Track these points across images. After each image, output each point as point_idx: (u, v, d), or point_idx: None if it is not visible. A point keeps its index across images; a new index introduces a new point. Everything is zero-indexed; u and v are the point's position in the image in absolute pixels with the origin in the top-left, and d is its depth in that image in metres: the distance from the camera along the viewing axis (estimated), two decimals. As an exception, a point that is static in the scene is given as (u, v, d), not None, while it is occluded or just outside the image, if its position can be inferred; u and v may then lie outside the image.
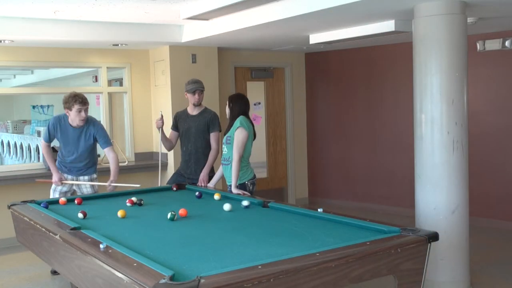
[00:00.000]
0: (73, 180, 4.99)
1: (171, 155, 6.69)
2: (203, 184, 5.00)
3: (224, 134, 4.70)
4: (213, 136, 5.17)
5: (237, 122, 4.52)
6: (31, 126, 11.06)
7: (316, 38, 6.21)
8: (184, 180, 5.12)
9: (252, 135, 4.63)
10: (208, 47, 6.83)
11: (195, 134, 5.17)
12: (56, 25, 5.55)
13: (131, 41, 6.20)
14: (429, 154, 4.27)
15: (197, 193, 4.34)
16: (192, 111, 5.25)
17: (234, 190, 4.39)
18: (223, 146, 4.70)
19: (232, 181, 4.45)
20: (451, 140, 4.19)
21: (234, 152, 4.48)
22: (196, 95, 5.16)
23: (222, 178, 5.00)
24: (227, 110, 4.69)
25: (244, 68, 7.68)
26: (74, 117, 4.81)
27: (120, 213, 3.57)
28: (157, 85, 6.91)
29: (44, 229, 3.28)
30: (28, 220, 3.60)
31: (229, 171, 4.57)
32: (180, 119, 5.31)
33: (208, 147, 5.18)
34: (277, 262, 2.31)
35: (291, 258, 2.37)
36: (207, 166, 5.11)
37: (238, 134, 4.49)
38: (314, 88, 8.19)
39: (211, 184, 4.93)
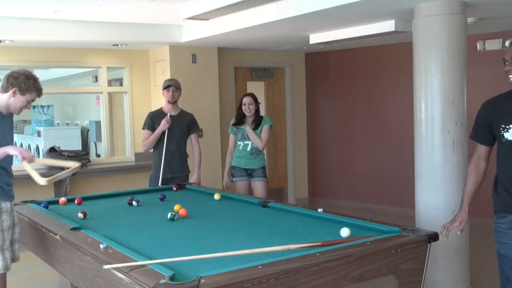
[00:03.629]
0: None
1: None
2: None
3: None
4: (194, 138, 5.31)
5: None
6: (31, 126, 11.03)
7: (316, 38, 6.20)
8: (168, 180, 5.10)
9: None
10: (208, 47, 6.83)
11: (176, 134, 5.15)
12: (56, 25, 5.55)
13: (131, 41, 6.20)
14: (429, 154, 4.27)
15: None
16: (170, 110, 5.19)
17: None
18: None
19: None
20: (451, 140, 4.19)
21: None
22: (170, 92, 5.12)
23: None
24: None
25: (244, 68, 7.67)
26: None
27: (176, 208, 3.58)
28: (157, 85, 6.90)
29: (44, 229, 3.28)
30: (28, 220, 3.59)
31: None
32: (156, 119, 5.18)
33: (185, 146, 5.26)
34: (277, 262, 2.30)
35: (291, 258, 2.37)
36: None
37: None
38: (314, 88, 8.19)
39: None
